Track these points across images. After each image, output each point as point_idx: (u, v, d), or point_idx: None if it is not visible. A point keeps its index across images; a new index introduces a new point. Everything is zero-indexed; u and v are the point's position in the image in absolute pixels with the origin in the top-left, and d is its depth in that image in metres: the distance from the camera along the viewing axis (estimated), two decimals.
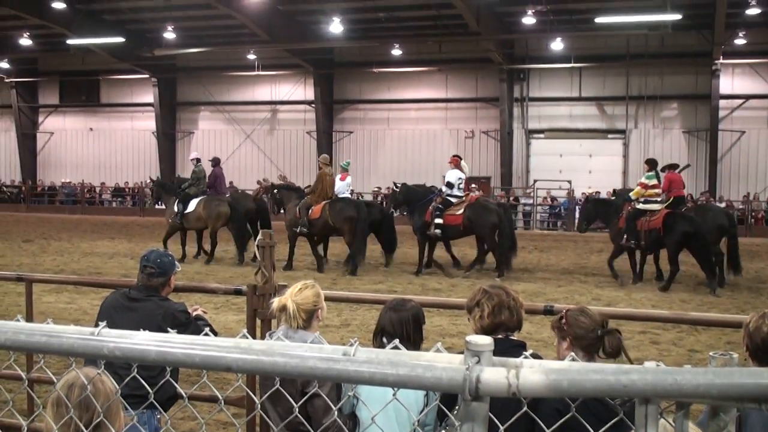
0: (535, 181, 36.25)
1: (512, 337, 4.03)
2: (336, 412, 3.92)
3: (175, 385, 4.23)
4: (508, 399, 1.66)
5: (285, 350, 1.72)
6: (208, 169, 21.17)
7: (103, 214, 39.06)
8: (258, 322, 5.84)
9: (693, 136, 35.74)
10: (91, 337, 1.84)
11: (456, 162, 19.27)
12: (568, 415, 1.89)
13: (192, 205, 19.93)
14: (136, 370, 2.12)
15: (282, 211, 20.18)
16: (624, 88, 36.22)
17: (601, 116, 37.09)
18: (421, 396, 3.90)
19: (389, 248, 19.44)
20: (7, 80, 44.56)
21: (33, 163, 46.59)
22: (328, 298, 5.31)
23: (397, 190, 20.04)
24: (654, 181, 17.21)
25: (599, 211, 18.65)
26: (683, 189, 17.94)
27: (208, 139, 43.45)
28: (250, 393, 3.14)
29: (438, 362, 1.68)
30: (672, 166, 17.98)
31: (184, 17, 35.49)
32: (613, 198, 19.49)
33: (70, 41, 36.92)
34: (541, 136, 37.95)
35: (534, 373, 1.63)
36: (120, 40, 36.25)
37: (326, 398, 3.88)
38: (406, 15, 35.33)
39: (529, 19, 31.40)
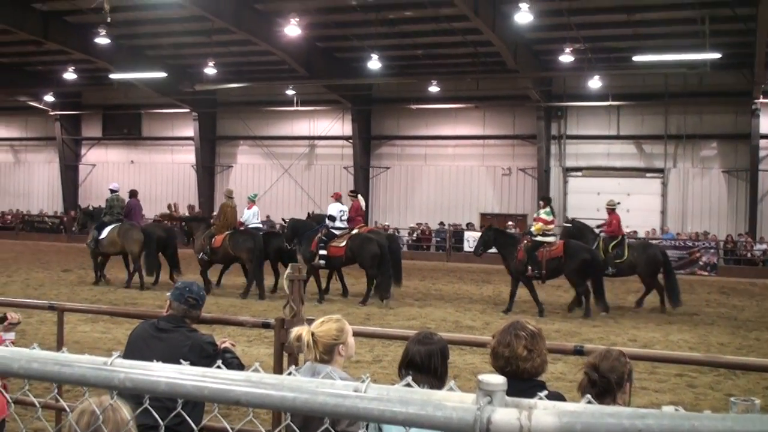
0: (572, 219, 35.98)
1: (533, 379, 3.93)
2: None
3: (187, 418, 4.22)
4: None
5: (295, 385, 1.70)
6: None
7: None
8: (285, 355, 5.83)
9: (733, 176, 35.30)
10: (103, 366, 1.84)
11: (337, 196, 20.81)
12: None
13: (105, 232, 21.50)
14: (148, 401, 2.10)
15: (188, 241, 22.16)
16: (662, 126, 35.96)
17: (639, 155, 36.82)
18: None
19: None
20: (51, 113, 45.51)
21: (75, 194, 47.29)
22: (359, 334, 5.26)
23: (285, 225, 21.69)
24: (551, 217, 19.04)
25: (498, 241, 19.42)
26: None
27: (247, 173, 43.83)
28: (260, 426, 3.11)
29: (449, 401, 1.65)
30: (614, 207, 20.35)
31: (224, 53, 36.00)
32: (569, 225, 21.03)
33: (113, 76, 37.61)
34: (579, 174, 37.75)
35: (547, 414, 1.60)
36: (162, 75, 36.86)
37: None
38: (444, 52, 35.53)
39: (566, 57, 31.38)
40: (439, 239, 37.68)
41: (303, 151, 42.51)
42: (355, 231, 19.79)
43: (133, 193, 23.15)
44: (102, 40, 32.34)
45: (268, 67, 38.53)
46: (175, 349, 4.84)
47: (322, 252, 19.27)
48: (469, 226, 37.45)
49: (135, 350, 5.04)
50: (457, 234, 36.72)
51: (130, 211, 22.44)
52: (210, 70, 35.70)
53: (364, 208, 21.55)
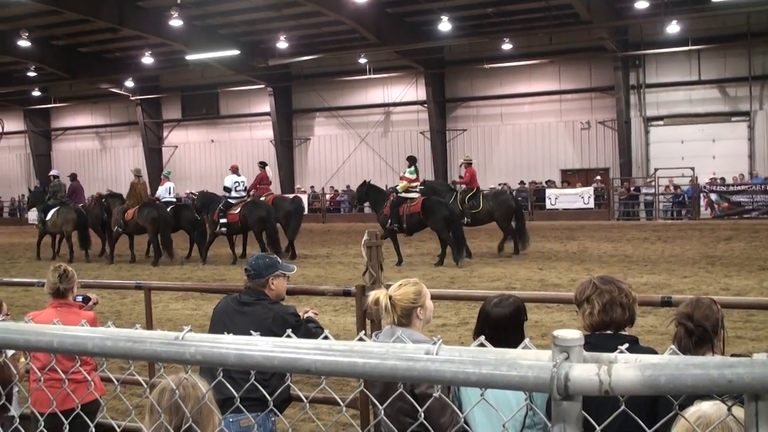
0: (656, 169, 35.10)
1: (622, 333, 3.79)
2: (451, 411, 3.85)
3: (262, 391, 4.24)
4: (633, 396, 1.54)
5: (365, 350, 1.66)
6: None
7: None
8: (368, 322, 5.83)
9: None
10: (173, 341, 1.83)
11: (234, 169, 22.86)
12: (670, 414, 1.76)
13: (50, 214, 23.85)
14: (223, 373, 2.09)
15: (107, 216, 24.07)
16: (746, 68, 34.59)
17: (723, 99, 35.58)
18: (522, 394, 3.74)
19: (199, 245, 22.38)
20: (132, 98, 46.50)
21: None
22: (443, 297, 5.21)
23: (196, 197, 24.00)
24: (415, 176, 20.53)
25: (371, 196, 21.73)
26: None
27: (324, 144, 44.07)
28: (332, 393, 3.11)
29: (524, 360, 1.58)
30: (470, 163, 21.79)
31: (295, 26, 36.11)
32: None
33: (188, 57, 38.15)
34: (661, 123, 36.73)
35: (628, 369, 1.52)
36: (235, 52, 37.20)
37: (440, 398, 3.78)
38: (515, 8, 34.87)
39: (642, 3, 30.44)
40: (520, 198, 37.22)
41: (378, 119, 42.47)
42: (249, 199, 22.01)
43: (73, 177, 25.82)
44: (175, 23, 32.81)
45: (339, 36, 38.49)
46: (258, 321, 4.87)
47: (223, 220, 21.49)
48: (549, 184, 36.89)
49: (219, 325, 5.10)
50: (539, 192, 36.12)
51: (72, 193, 24.81)
52: (282, 44, 35.91)
53: (270, 177, 24.29)
